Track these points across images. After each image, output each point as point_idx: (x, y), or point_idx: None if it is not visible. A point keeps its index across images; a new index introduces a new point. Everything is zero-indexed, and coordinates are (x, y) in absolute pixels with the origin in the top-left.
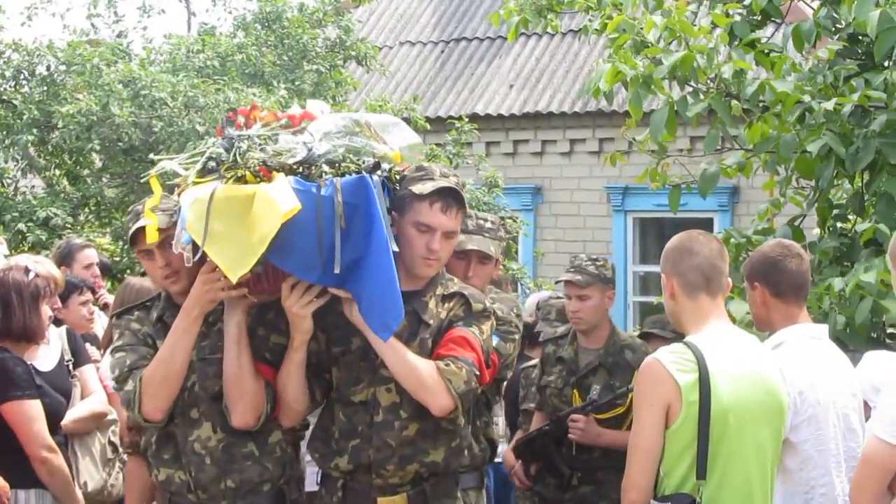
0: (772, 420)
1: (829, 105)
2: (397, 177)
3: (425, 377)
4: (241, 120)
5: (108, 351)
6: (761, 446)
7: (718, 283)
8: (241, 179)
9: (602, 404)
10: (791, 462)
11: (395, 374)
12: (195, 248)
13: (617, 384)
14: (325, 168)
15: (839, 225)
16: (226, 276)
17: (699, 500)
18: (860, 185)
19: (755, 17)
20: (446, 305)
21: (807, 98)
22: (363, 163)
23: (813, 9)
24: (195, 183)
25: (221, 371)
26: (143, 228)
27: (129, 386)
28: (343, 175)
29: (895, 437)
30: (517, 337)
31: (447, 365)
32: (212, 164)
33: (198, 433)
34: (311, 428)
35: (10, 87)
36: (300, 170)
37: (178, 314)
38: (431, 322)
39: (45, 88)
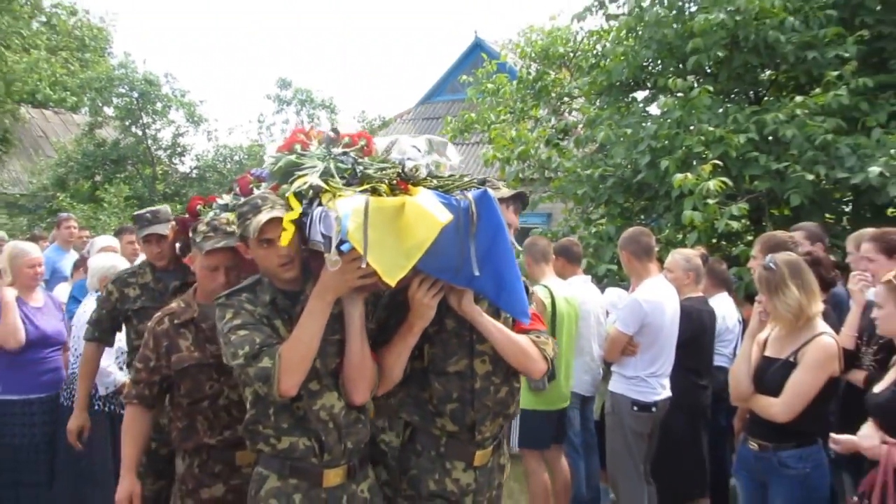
0: (575, 319)
1: (588, 171)
2: None
3: (528, 349)
4: (302, 137)
5: (226, 329)
6: (571, 331)
7: (547, 259)
8: (375, 191)
9: None
10: (580, 340)
11: (501, 348)
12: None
13: None
14: (434, 182)
15: (594, 230)
16: (360, 266)
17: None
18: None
19: (560, 133)
20: None
21: (578, 170)
22: (450, 177)
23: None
24: (338, 195)
25: (338, 351)
26: (270, 221)
27: (265, 363)
28: (458, 189)
29: (625, 328)
30: None
31: (538, 337)
32: (343, 178)
33: (322, 402)
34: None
35: (224, 167)
36: (431, 183)
37: (312, 297)
38: None
39: (238, 168)
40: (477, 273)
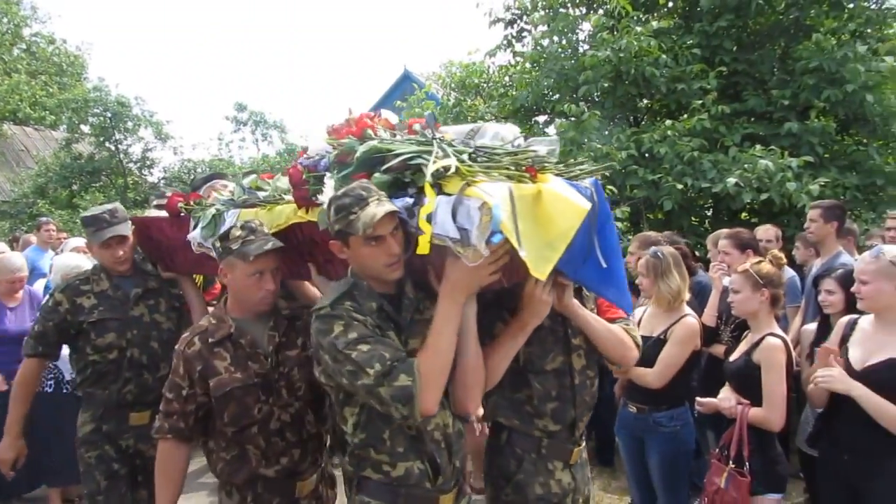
0: None
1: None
2: None
3: (623, 337)
4: (370, 123)
5: (341, 346)
6: None
7: None
8: (511, 178)
9: None
10: None
11: (602, 339)
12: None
13: None
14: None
15: None
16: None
17: None
18: None
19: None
20: None
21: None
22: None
23: None
24: (473, 181)
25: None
26: (384, 216)
27: (403, 380)
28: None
29: None
30: None
31: (626, 325)
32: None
33: (436, 421)
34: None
35: (188, 178)
36: (556, 171)
37: (441, 302)
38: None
39: (207, 177)
40: (604, 265)
